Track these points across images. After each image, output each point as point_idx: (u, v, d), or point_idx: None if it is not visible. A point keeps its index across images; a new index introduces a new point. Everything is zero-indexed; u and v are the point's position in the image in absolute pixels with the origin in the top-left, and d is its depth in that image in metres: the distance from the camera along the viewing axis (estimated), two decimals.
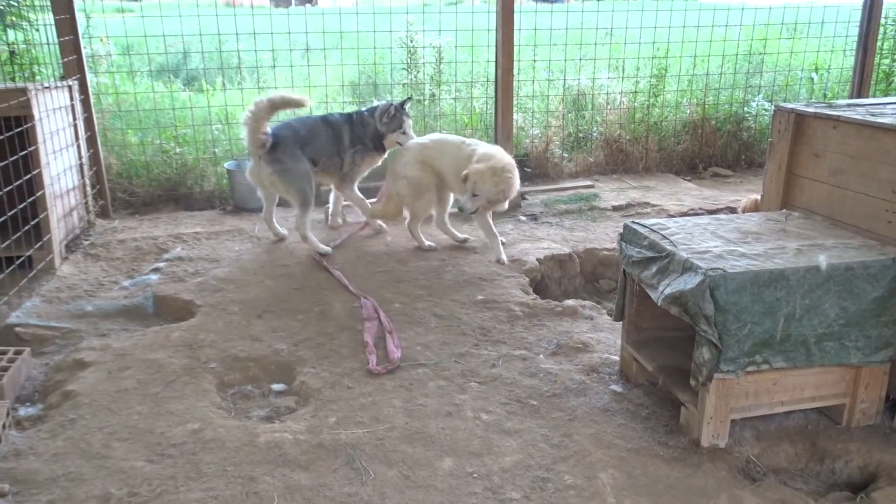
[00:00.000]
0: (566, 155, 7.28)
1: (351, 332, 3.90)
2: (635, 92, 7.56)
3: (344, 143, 5.21)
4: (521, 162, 7.06)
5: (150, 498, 2.61)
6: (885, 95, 7.83)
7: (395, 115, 5.20)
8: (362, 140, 5.25)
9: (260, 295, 4.37)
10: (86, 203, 5.51)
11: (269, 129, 4.90)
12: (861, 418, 3.05)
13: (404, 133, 5.25)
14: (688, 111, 7.67)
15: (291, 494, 2.64)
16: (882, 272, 2.81)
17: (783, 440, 3.01)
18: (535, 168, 7.03)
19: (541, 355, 3.70)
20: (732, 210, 5.73)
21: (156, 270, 4.75)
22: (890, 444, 2.96)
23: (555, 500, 2.62)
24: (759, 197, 4.38)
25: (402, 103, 5.29)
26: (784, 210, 3.61)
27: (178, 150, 6.41)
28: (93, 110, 5.75)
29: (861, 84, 7.47)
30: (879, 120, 3.19)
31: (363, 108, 5.47)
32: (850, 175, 3.32)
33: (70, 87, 5.28)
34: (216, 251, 5.12)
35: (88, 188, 5.56)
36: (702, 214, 5.66)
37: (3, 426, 2.90)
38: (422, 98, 7.24)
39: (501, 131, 6.49)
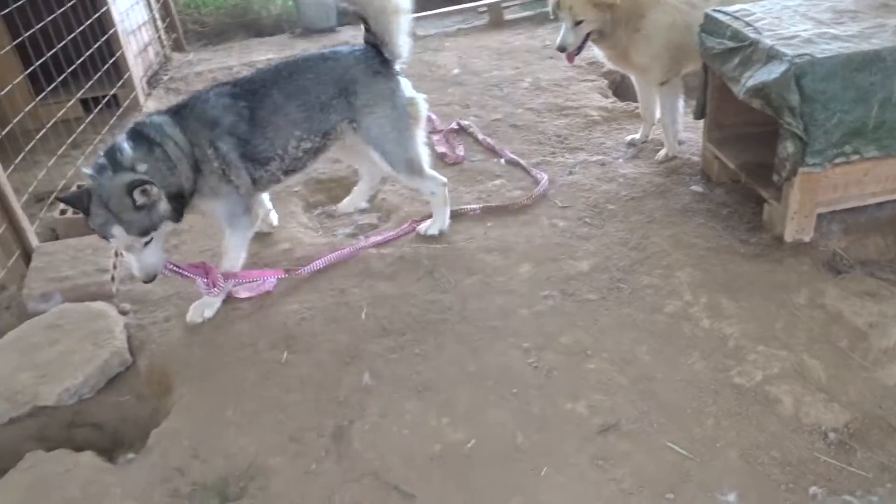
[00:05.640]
0: None
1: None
2: None
3: None
4: None
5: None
6: None
7: None
8: None
9: None
10: (159, 38, 5.54)
11: None
12: None
13: None
14: None
15: (379, 303, 2.81)
16: None
17: (873, 232, 2.91)
18: None
19: (619, 160, 3.64)
20: None
21: None
22: None
23: (631, 300, 2.68)
24: None
25: None
26: None
27: None
28: None
29: None
30: None
31: None
32: None
33: None
34: None
35: (159, 22, 5.56)
36: None
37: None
38: None
39: None
